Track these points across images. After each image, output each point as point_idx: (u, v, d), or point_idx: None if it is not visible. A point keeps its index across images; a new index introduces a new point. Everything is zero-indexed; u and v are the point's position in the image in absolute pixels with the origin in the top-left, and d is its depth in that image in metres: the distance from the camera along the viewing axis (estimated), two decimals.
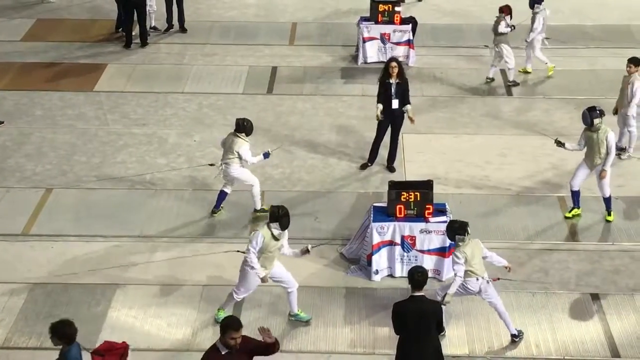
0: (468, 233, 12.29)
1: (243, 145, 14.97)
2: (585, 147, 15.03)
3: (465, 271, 12.25)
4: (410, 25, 20.93)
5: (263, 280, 12.57)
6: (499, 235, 15.06)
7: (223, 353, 9.96)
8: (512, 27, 19.64)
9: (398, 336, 11.18)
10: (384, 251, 13.90)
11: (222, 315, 12.87)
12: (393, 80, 16.32)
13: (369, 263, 13.97)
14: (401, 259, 13.93)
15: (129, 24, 22.07)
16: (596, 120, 14.71)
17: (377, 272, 13.95)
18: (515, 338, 12.66)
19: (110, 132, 18.28)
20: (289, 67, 21.15)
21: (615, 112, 17.30)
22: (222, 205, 15.50)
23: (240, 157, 15.01)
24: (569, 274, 14.10)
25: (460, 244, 12.28)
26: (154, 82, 20.43)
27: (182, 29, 22.87)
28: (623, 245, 14.80)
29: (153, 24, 22.84)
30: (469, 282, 12.32)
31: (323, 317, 13.14)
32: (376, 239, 13.84)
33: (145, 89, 20.09)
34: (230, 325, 9.95)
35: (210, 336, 12.81)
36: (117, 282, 13.90)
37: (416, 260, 13.83)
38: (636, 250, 14.64)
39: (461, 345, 12.70)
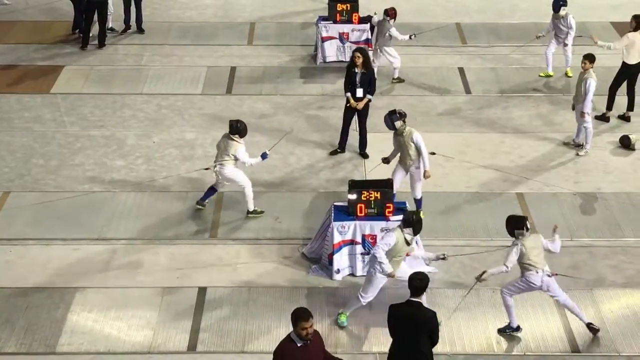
0: (527, 228, 12.31)
1: (239, 147, 14.91)
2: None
3: (524, 264, 12.29)
4: (368, 25, 20.97)
5: (390, 275, 12.54)
6: (459, 233, 15.13)
7: (299, 345, 9.96)
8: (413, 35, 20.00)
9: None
10: (345, 250, 13.91)
11: (345, 319, 12.89)
12: (358, 70, 16.70)
13: (330, 262, 13.98)
14: (362, 258, 13.94)
15: (87, 25, 21.91)
16: (397, 124, 14.73)
17: (338, 271, 13.95)
18: (593, 325, 12.74)
19: (67, 135, 18.13)
20: (247, 67, 21.10)
21: (574, 108, 17.46)
22: (206, 202, 15.44)
23: (235, 159, 14.95)
24: None
25: (519, 237, 12.30)
26: (112, 84, 20.29)
27: (140, 30, 22.73)
28: (582, 241, 14.91)
29: (110, 25, 22.68)
30: (529, 275, 12.33)
31: (285, 318, 13.04)
32: (337, 238, 13.84)
33: (103, 91, 19.95)
34: (299, 316, 9.95)
35: (172, 337, 12.76)
36: (76, 285, 13.79)
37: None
38: (594, 246, 14.77)
39: None
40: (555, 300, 12.75)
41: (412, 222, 12.50)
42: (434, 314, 11.08)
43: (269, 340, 12.73)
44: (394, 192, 15.00)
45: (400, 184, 15.15)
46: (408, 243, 12.58)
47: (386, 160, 15.39)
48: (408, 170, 15.01)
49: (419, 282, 11.02)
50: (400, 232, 12.51)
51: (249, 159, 15.03)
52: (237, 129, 14.95)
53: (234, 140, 14.93)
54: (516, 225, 12.39)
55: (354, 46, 20.76)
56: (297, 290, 13.72)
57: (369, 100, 16.97)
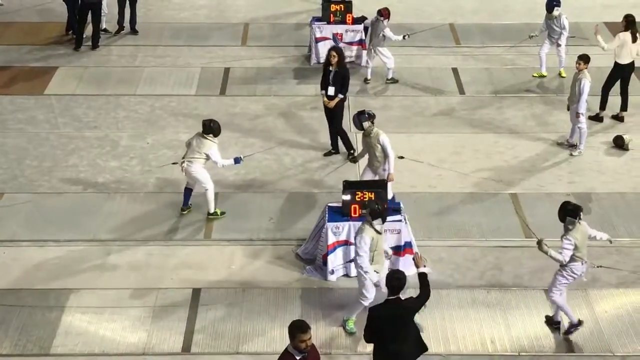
0: (579, 218, 12.35)
1: (212, 147, 14.90)
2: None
3: (573, 256, 12.34)
4: (362, 25, 20.99)
5: (375, 285, 12.56)
6: (453, 233, 15.13)
7: (298, 358, 9.92)
8: (407, 36, 20.17)
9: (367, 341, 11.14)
10: (339, 251, 13.90)
11: (353, 325, 12.85)
12: (332, 69, 16.79)
13: (325, 263, 13.97)
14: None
15: (80, 25, 21.89)
16: (366, 124, 14.74)
17: (332, 272, 13.95)
18: (558, 325, 12.93)
19: (61, 136, 18.11)
20: (241, 68, 21.10)
21: (569, 108, 17.47)
22: (190, 203, 15.43)
23: (207, 158, 14.95)
24: (523, 271, 14.20)
25: (570, 227, 12.33)
26: (106, 85, 20.27)
27: (134, 31, 22.71)
28: None
29: (104, 26, 22.67)
30: (574, 266, 12.41)
31: (279, 318, 13.11)
32: (331, 239, 13.84)
33: (96, 92, 19.94)
34: (298, 328, 9.88)
35: (166, 339, 12.75)
36: (70, 286, 13.77)
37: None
38: (589, 246, 14.69)
39: None
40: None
41: (380, 212, 12.49)
42: (411, 298, 11.14)
43: (264, 341, 12.74)
44: None
45: None
46: (379, 232, 12.57)
47: (354, 160, 15.42)
48: (376, 172, 14.99)
49: (397, 281, 10.98)
50: (369, 227, 12.48)
51: (222, 160, 15.02)
52: (211, 128, 14.94)
53: (207, 139, 14.91)
54: (570, 213, 12.38)
55: (348, 47, 20.90)
56: (291, 291, 13.71)
57: (342, 100, 16.93)
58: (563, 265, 12.45)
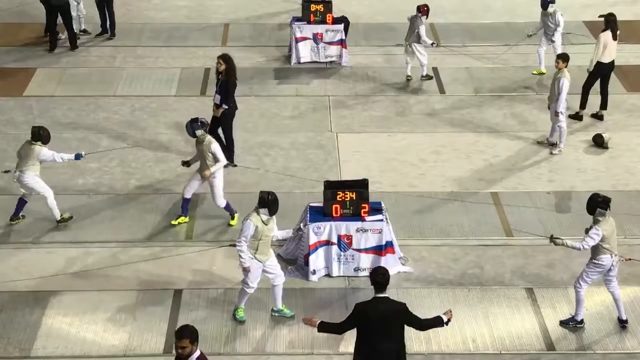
0: (609, 208, 12.37)
1: (42, 151, 14.77)
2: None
3: (601, 248, 12.37)
4: (342, 25, 21.01)
5: (245, 270, 12.60)
6: (434, 233, 15.15)
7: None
8: (434, 44, 20.12)
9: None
10: (320, 251, 13.91)
11: (242, 314, 12.97)
12: (221, 77, 16.58)
13: (306, 263, 13.97)
14: (338, 258, 13.95)
15: (52, 27, 21.76)
16: (198, 132, 14.70)
17: (314, 272, 13.95)
18: (625, 324, 12.92)
19: None
20: None
21: (549, 107, 17.52)
22: (21, 215, 15.26)
23: (38, 164, 14.78)
24: (504, 269, 14.24)
25: (599, 218, 12.35)
26: (85, 86, 20.19)
27: (112, 34, 22.55)
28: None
29: (83, 27, 22.58)
30: (601, 258, 12.45)
31: (261, 318, 13.10)
32: (313, 239, 13.84)
33: (76, 93, 19.85)
34: (176, 331, 9.76)
35: (147, 340, 12.71)
36: (50, 288, 13.70)
37: (353, 259, 13.89)
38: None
39: None
40: (608, 283, 12.75)
41: (268, 202, 12.59)
42: (404, 305, 10.93)
43: (245, 342, 12.72)
44: (188, 197, 15.05)
45: (195, 191, 15.07)
46: (265, 223, 12.62)
47: (186, 164, 15.31)
48: (206, 179, 14.87)
49: (382, 277, 10.83)
50: (256, 215, 12.58)
51: (58, 156, 14.92)
52: (40, 135, 14.83)
53: (36, 145, 14.79)
54: (599, 204, 12.41)
55: (328, 47, 20.91)
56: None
57: (229, 109, 16.64)
58: (591, 258, 12.53)
